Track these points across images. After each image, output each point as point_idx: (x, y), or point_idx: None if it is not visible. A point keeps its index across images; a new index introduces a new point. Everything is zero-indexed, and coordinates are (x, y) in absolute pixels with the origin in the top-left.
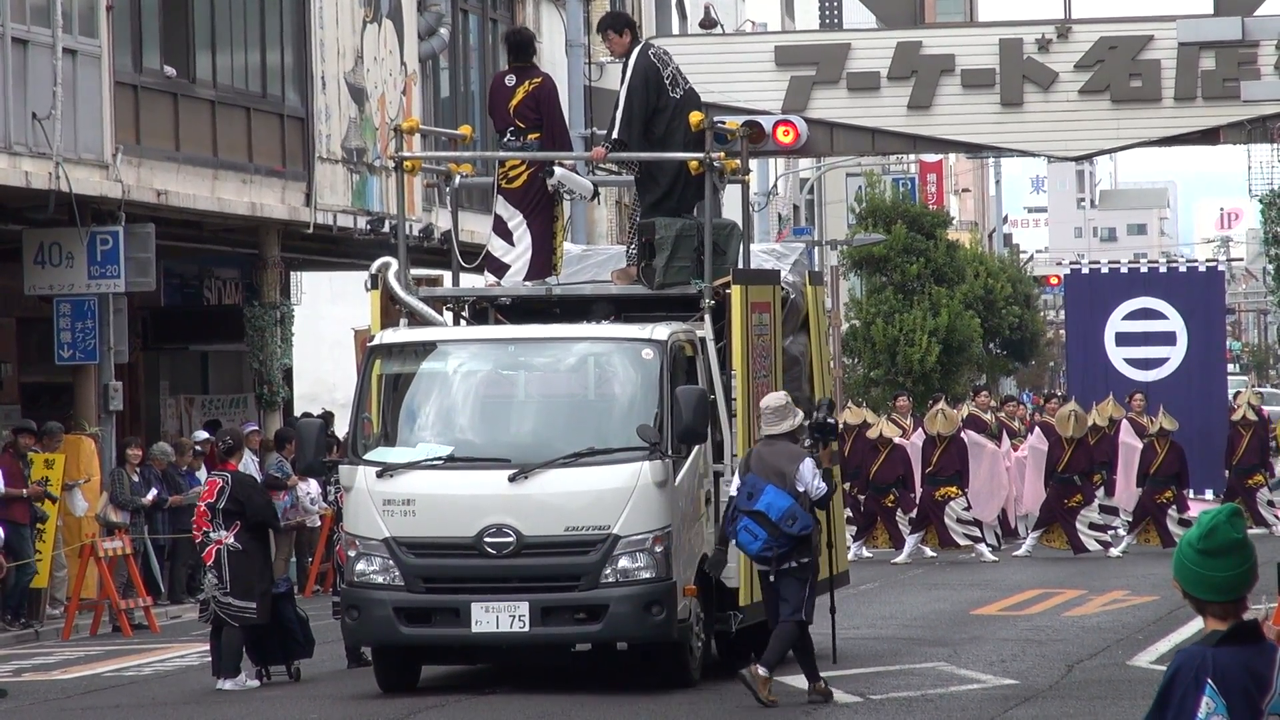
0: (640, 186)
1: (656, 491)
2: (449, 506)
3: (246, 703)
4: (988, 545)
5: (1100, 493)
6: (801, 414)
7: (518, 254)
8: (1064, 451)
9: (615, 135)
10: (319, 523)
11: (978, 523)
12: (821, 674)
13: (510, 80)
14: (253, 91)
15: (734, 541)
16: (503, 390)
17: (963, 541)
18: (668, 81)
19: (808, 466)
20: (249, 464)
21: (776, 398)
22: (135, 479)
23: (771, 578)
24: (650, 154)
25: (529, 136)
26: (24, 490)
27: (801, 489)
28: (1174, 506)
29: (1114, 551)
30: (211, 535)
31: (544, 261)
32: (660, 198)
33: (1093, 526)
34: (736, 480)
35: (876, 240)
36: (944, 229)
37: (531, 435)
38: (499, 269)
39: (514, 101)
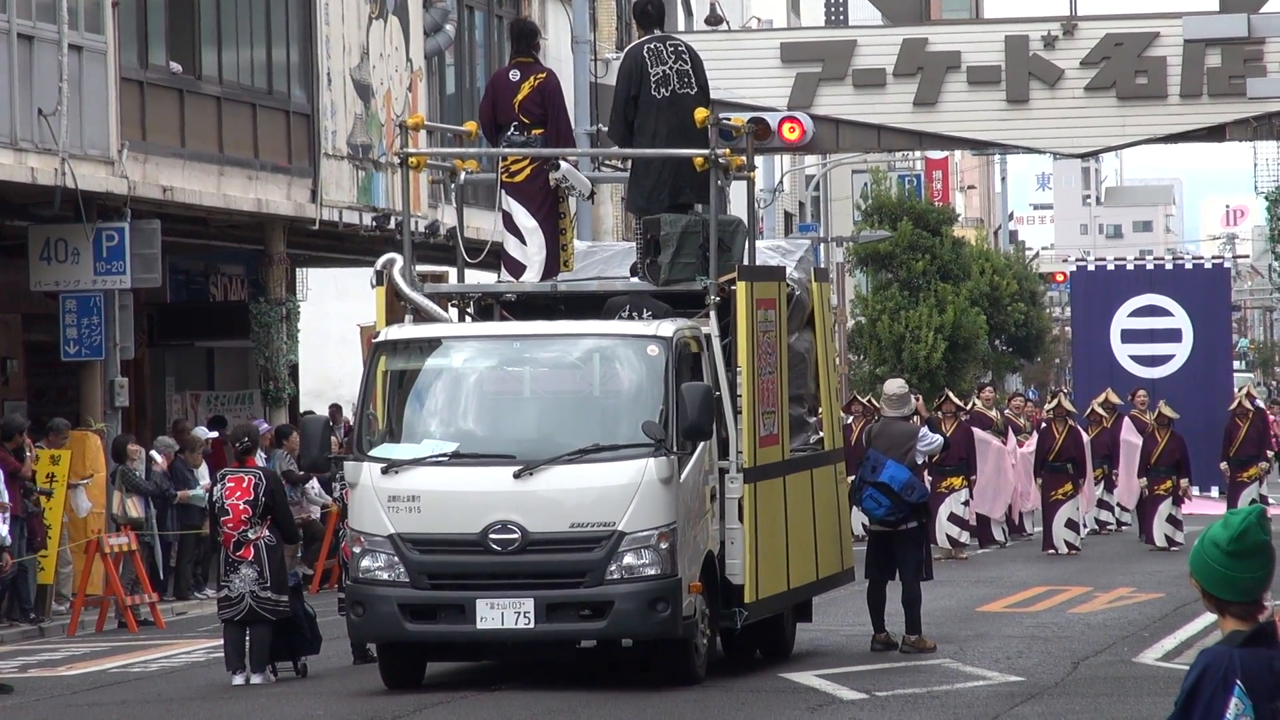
0: (629, 181)
1: (661, 488)
2: (454, 503)
3: (253, 699)
4: (997, 543)
5: (1099, 488)
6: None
7: (533, 253)
8: (1055, 440)
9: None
10: (316, 514)
11: (971, 523)
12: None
13: (514, 75)
14: (258, 88)
15: (861, 508)
16: (508, 386)
17: (942, 542)
18: (654, 79)
19: (924, 430)
20: (260, 462)
21: (898, 385)
22: (138, 473)
23: (891, 540)
24: (656, 150)
25: (533, 132)
26: (28, 482)
27: (925, 447)
28: (1169, 500)
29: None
30: (249, 533)
31: (555, 259)
32: (648, 193)
33: (1069, 524)
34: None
35: (882, 237)
36: (949, 226)
37: (536, 431)
38: (516, 268)
39: (519, 97)
